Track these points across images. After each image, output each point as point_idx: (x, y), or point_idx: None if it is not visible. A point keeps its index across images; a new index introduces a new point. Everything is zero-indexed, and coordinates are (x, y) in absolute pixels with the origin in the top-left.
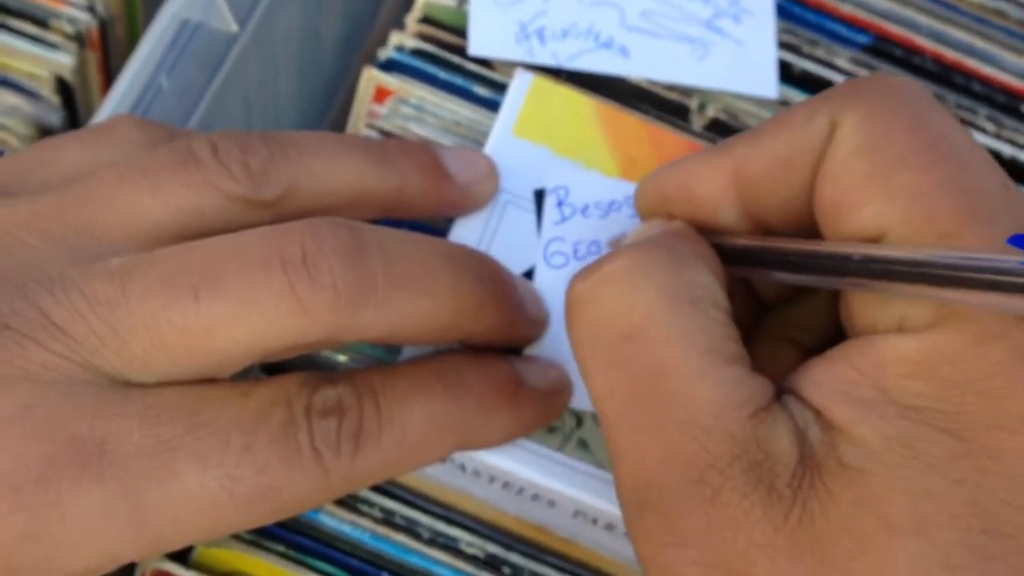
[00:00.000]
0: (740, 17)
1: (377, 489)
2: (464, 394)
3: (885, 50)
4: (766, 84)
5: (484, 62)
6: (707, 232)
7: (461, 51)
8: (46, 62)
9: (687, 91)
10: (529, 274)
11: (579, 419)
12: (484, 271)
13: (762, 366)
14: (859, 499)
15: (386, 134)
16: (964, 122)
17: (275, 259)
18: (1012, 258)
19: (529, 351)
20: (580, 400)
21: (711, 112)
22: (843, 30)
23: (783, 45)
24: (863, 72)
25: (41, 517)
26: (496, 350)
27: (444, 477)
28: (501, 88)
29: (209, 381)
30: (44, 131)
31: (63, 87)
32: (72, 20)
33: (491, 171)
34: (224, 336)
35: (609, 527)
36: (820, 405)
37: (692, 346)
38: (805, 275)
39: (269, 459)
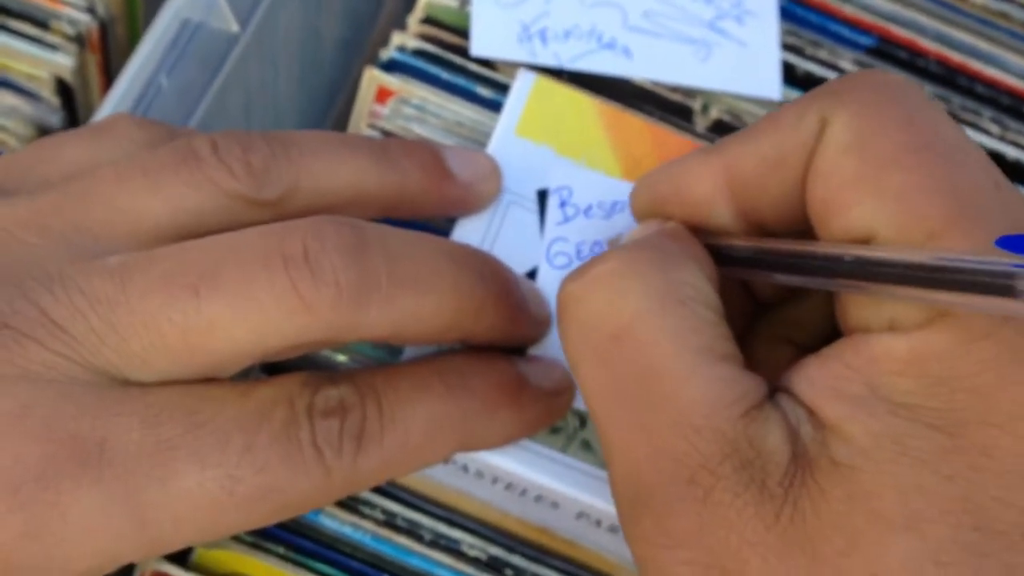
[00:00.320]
0: (743, 18)
1: (378, 490)
2: (466, 394)
3: (889, 52)
4: (769, 86)
5: (486, 63)
6: (702, 233)
7: (463, 52)
8: (46, 63)
9: (690, 92)
10: (532, 274)
11: (583, 420)
12: (487, 270)
13: (758, 365)
14: (850, 496)
15: (388, 134)
16: (968, 124)
17: (277, 257)
18: (1000, 260)
19: (533, 351)
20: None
21: (714, 113)
22: (846, 32)
23: (786, 47)
24: None
25: (41, 516)
26: (499, 350)
27: (446, 478)
28: (503, 89)
29: (210, 381)
30: (44, 132)
31: (63, 88)
32: (72, 21)
33: (493, 170)
34: (225, 334)
35: (613, 529)
36: (812, 403)
37: (681, 345)
38: (799, 276)
39: (270, 459)
